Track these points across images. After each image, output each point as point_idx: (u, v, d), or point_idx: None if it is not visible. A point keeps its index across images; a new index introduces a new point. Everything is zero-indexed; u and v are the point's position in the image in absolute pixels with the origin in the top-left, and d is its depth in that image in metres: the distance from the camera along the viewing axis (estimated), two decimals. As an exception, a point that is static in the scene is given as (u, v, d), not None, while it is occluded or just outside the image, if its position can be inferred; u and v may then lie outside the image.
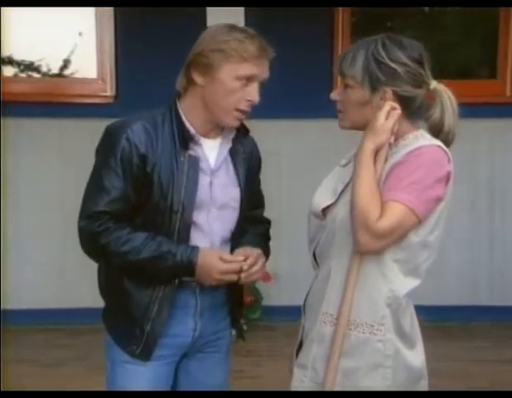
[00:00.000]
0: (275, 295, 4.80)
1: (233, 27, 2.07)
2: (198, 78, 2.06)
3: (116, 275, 2.16)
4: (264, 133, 4.62)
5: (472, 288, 4.95)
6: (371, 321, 1.91)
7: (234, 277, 2.08)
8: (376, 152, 1.89)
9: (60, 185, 4.78)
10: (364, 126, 1.95)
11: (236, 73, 2.02)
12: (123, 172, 2.04)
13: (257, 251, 2.13)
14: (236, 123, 2.11)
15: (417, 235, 1.90)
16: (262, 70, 2.06)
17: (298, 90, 4.71)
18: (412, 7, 4.70)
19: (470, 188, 4.89)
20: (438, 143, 1.93)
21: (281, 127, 4.77)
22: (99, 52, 4.84)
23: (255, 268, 2.09)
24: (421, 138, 1.93)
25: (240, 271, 2.08)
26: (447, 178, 1.90)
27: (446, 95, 1.96)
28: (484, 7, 4.46)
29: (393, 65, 1.90)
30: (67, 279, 4.77)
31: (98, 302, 2.24)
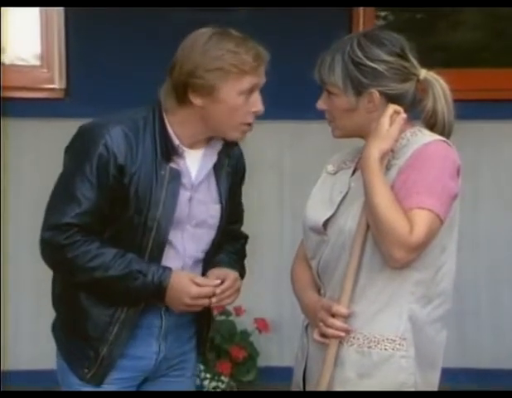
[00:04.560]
0: (275, 352, 4.67)
1: (221, 36, 2.26)
2: (197, 100, 2.27)
3: (73, 287, 2.33)
4: (263, 138, 4.67)
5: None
6: (393, 336, 2.16)
7: (205, 302, 2.31)
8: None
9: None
10: (357, 132, 2.25)
11: (239, 88, 2.26)
12: (98, 182, 2.24)
13: (233, 274, 2.36)
14: (243, 136, 2.37)
15: (436, 238, 2.14)
16: (261, 78, 2.30)
17: (302, 88, 4.73)
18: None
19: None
20: (440, 137, 2.18)
21: (283, 130, 4.67)
22: (44, 29, 4.56)
23: (228, 292, 2.33)
24: (420, 134, 2.19)
25: (213, 295, 2.30)
26: (458, 172, 2.17)
27: (437, 84, 2.22)
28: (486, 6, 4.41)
29: (373, 64, 2.16)
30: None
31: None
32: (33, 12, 4.58)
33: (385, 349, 2.17)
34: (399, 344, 2.17)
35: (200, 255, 2.42)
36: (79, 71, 4.55)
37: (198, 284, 2.30)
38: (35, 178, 4.41)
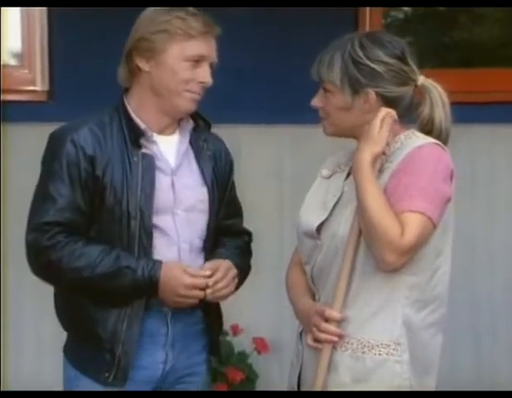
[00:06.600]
0: (275, 374, 4.58)
1: (171, 8, 2.41)
2: (143, 64, 2.41)
3: (75, 295, 2.43)
4: (263, 142, 4.68)
5: None
6: (387, 340, 2.26)
7: (200, 293, 2.39)
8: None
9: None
10: (350, 132, 2.35)
11: (183, 53, 2.38)
12: (70, 177, 2.37)
13: (226, 263, 2.44)
14: (192, 105, 2.46)
15: (429, 241, 2.25)
16: (210, 50, 2.42)
17: (303, 91, 4.69)
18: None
19: None
20: (434, 140, 2.28)
21: (282, 134, 4.65)
22: (25, 28, 4.53)
23: (221, 284, 2.41)
24: (414, 137, 2.30)
25: (207, 287, 2.38)
26: (452, 176, 2.26)
27: (435, 91, 2.32)
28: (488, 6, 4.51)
29: (372, 64, 2.28)
30: None
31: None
32: (14, 10, 4.51)
33: (379, 354, 2.27)
34: (393, 349, 2.27)
35: (198, 242, 2.51)
36: (63, 72, 4.49)
37: (190, 274, 2.39)
38: (20, 182, 4.35)
